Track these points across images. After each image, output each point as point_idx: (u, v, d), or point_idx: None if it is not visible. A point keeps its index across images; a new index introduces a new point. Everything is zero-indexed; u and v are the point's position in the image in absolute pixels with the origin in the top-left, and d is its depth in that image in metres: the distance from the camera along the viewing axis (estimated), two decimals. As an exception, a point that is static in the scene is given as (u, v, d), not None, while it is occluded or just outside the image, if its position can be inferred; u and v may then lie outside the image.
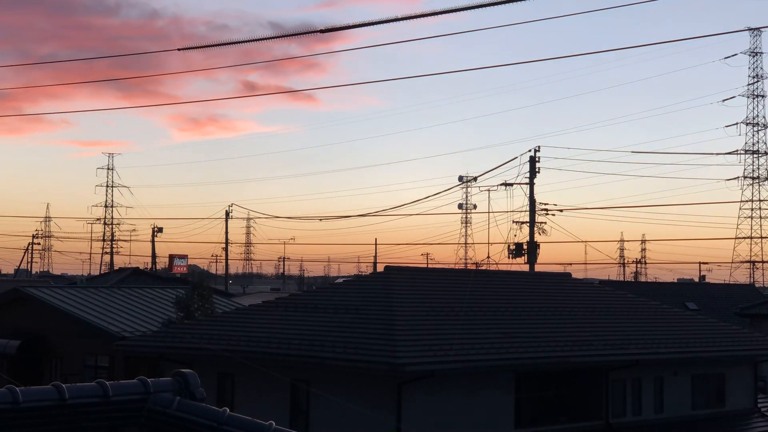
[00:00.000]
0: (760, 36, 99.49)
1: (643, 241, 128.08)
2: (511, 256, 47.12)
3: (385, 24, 12.13)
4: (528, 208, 47.00)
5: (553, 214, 48.33)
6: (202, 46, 15.32)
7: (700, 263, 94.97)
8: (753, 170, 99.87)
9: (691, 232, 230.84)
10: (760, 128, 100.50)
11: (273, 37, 13.60)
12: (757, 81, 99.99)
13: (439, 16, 11.83)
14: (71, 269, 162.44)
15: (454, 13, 11.53)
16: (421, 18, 12.21)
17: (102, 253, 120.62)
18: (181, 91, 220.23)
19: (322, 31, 13.03)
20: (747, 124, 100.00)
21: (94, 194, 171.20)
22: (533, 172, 46.02)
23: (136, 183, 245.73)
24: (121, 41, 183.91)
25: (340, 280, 51.40)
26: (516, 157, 46.47)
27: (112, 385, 6.59)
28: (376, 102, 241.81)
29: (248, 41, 13.45)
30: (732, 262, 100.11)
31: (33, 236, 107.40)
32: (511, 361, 22.97)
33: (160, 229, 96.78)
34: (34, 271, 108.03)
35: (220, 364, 23.70)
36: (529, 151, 46.00)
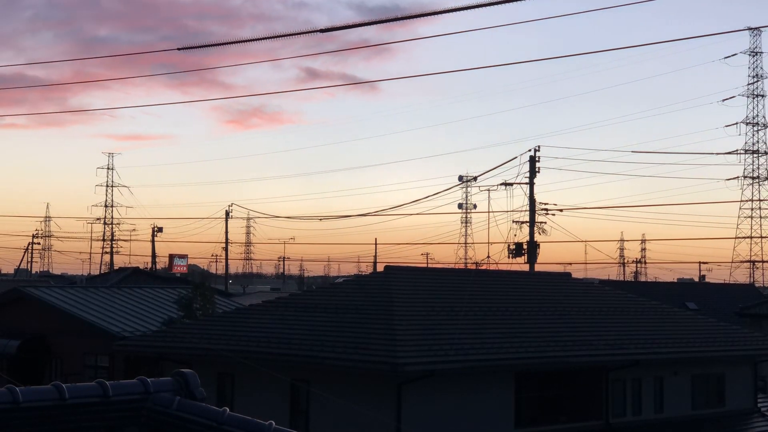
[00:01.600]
0: (760, 36, 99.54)
1: (643, 241, 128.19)
2: (511, 256, 47.09)
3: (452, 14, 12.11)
4: (528, 208, 46.99)
5: (553, 214, 48.34)
6: (202, 46, 15.32)
7: (700, 263, 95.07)
8: (753, 170, 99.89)
9: (691, 232, 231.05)
10: (760, 128, 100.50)
11: (275, 37, 13.60)
12: (757, 81, 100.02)
13: (442, 15, 11.83)
14: (71, 269, 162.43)
15: (454, 13, 11.54)
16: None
17: (102, 253, 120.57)
18: (239, 79, 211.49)
19: (322, 31, 13.02)
20: (747, 124, 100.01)
21: (93, 194, 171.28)
22: (533, 172, 46.00)
23: (154, 181, 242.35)
24: (186, 20, 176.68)
25: (340, 280, 51.37)
26: (516, 157, 46.43)
27: (112, 385, 6.59)
28: (432, 94, 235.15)
29: (248, 41, 13.45)
30: (732, 262, 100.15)
31: (33, 236, 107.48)
32: (511, 361, 22.96)
33: (160, 229, 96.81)
34: (34, 271, 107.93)
35: (220, 364, 23.70)
36: (529, 151, 46.00)
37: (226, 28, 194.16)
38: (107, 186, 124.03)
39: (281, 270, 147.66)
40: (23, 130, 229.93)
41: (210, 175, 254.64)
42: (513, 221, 47.95)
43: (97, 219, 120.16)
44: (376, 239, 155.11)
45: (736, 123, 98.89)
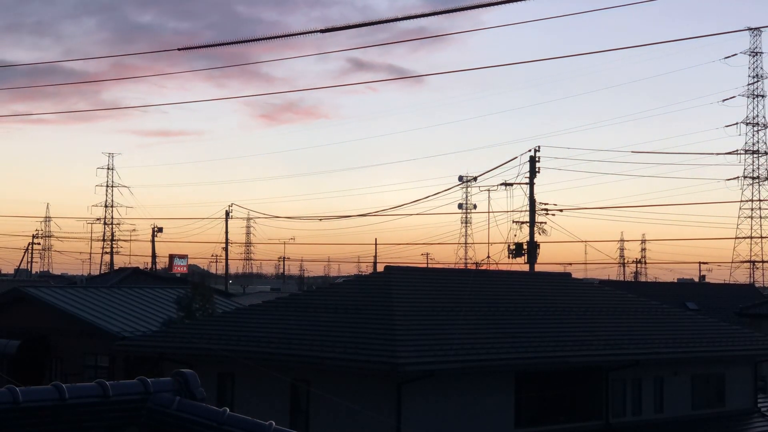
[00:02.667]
0: (760, 36, 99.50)
1: (643, 241, 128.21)
2: (511, 256, 47.08)
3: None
4: (528, 208, 46.99)
5: (553, 214, 48.33)
6: (202, 46, 15.32)
7: (700, 263, 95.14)
8: (753, 170, 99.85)
9: (691, 232, 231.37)
10: (760, 128, 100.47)
11: (271, 37, 13.60)
12: (757, 81, 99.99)
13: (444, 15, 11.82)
14: (71, 269, 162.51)
15: (452, 13, 11.53)
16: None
17: (102, 253, 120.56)
18: (281, 70, 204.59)
19: (321, 31, 13.02)
20: (747, 124, 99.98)
21: (94, 194, 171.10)
22: (533, 172, 46.00)
23: (166, 179, 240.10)
24: (233, 6, 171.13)
25: (340, 280, 51.38)
26: (516, 157, 46.41)
27: (112, 385, 6.59)
28: (477, 87, 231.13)
29: (250, 41, 13.45)
30: (732, 262, 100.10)
31: (33, 236, 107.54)
32: (511, 361, 22.96)
33: (160, 229, 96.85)
34: (34, 271, 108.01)
35: (220, 364, 23.70)
36: (529, 151, 45.99)
37: (277, 14, 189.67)
38: (107, 186, 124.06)
39: (281, 270, 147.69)
40: (52, 125, 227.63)
41: (216, 174, 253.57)
42: (513, 221, 47.97)
43: (97, 219, 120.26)
44: (376, 239, 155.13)
45: (736, 123, 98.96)
